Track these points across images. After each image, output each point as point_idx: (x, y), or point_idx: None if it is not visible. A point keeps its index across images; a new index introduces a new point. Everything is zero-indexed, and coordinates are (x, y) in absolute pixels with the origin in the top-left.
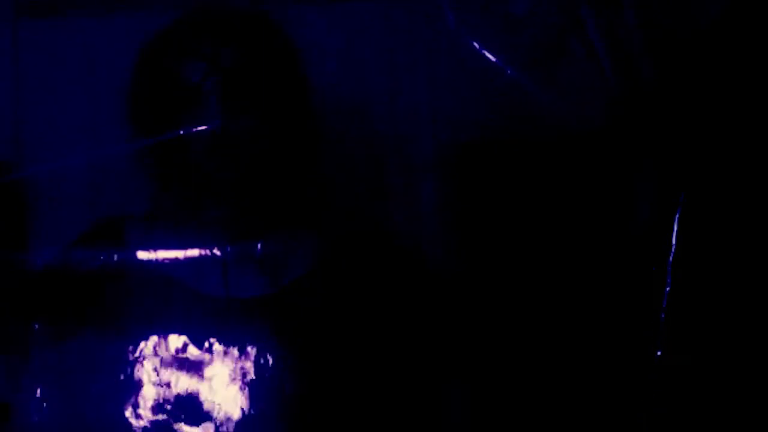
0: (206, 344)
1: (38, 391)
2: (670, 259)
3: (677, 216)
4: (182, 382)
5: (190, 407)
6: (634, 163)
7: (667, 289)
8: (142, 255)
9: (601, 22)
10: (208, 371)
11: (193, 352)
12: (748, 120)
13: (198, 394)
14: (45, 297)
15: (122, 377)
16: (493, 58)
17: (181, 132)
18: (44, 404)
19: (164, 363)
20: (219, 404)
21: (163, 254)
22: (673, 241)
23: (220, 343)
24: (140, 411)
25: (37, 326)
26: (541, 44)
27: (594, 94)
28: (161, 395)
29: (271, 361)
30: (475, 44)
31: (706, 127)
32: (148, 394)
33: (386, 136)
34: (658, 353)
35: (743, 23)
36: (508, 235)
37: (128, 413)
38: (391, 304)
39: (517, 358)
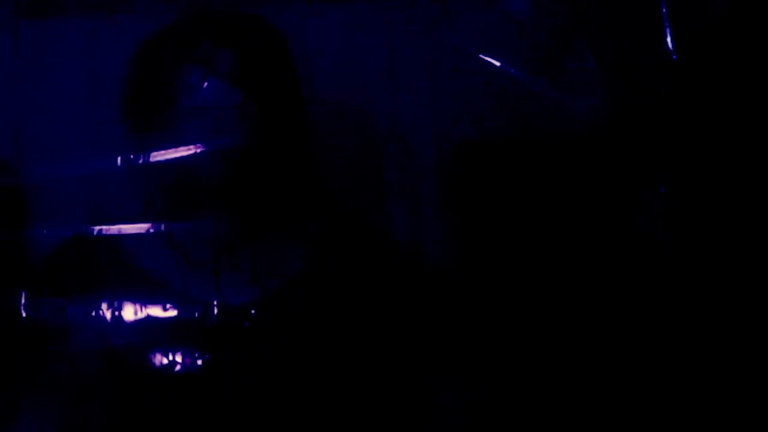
0: (197, 354)
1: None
2: (670, 259)
3: (676, 216)
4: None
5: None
6: (637, 163)
7: (667, 288)
8: (134, 256)
9: (605, 23)
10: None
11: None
12: (751, 120)
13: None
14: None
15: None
16: (494, 59)
17: (179, 144)
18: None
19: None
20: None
21: (154, 257)
22: (673, 241)
23: (210, 350)
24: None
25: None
26: (544, 44)
27: (597, 94)
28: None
29: (261, 365)
30: (476, 44)
31: (708, 128)
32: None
33: (386, 136)
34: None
35: (749, 17)
36: (508, 235)
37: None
38: (387, 306)
39: (516, 357)
